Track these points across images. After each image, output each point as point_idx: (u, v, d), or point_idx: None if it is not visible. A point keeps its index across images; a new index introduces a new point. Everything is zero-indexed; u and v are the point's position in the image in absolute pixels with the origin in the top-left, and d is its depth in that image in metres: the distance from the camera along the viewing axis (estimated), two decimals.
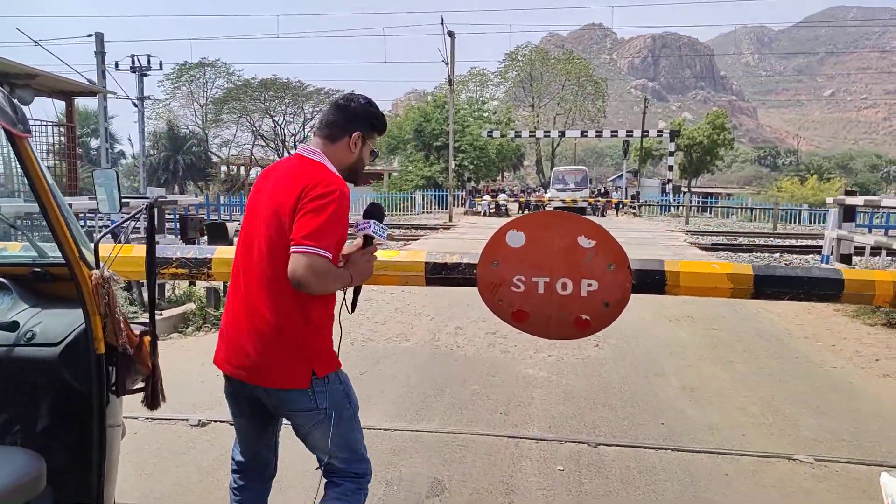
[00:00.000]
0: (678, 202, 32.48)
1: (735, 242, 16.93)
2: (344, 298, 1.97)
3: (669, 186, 36.64)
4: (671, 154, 37.38)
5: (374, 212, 1.95)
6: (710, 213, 33.12)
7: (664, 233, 19.09)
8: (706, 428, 3.70)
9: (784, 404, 4.15)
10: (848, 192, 8.19)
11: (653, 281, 2.42)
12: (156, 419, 3.82)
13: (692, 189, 46.60)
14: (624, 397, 4.23)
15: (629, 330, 5.93)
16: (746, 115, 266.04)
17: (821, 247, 15.69)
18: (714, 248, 15.33)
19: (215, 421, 3.76)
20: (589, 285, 2.42)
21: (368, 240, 1.94)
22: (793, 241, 17.63)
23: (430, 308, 7.15)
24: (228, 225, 7.18)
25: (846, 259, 8.09)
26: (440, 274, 2.56)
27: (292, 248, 1.69)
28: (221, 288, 6.61)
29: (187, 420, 3.77)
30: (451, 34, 23.34)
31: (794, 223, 28.59)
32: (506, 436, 3.52)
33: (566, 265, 2.42)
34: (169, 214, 13.37)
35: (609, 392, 4.35)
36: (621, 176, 45.73)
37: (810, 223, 29.10)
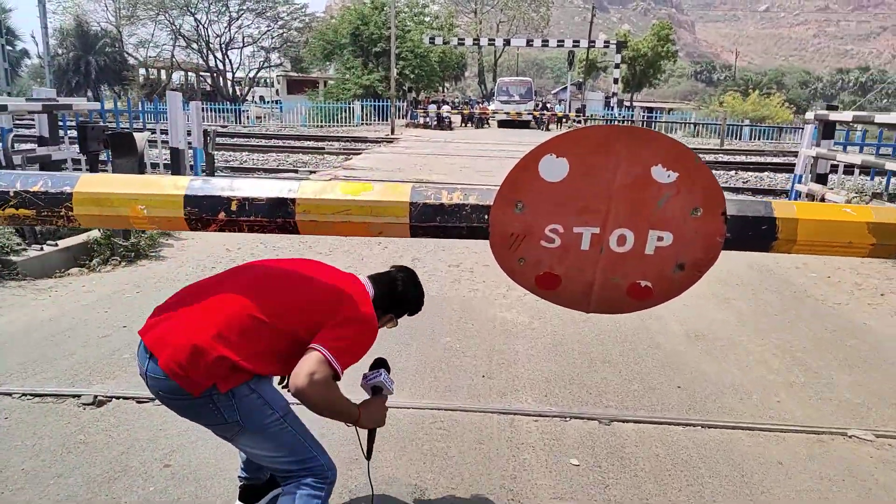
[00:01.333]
0: (625, 117, 31.95)
1: None
2: (359, 442, 1.94)
3: (614, 100, 35.95)
4: (617, 66, 36.42)
5: (382, 364, 2.00)
6: (654, 128, 32.83)
7: None
8: (731, 390, 3.09)
9: (806, 355, 3.59)
10: (830, 107, 7.63)
11: (756, 233, 1.65)
12: (36, 395, 2.91)
13: (634, 104, 46.24)
14: (624, 349, 3.58)
15: None
16: (685, 30, 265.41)
17: (770, 164, 15.50)
18: None
19: (118, 397, 2.89)
20: (659, 239, 1.64)
21: (377, 391, 1.94)
22: (742, 158, 17.44)
23: None
24: (137, 136, 5.98)
25: (822, 179, 7.63)
26: (433, 221, 1.70)
27: (312, 344, 1.69)
28: None
29: (79, 397, 2.87)
30: None
31: (736, 139, 28.67)
32: (496, 411, 2.80)
33: (629, 209, 1.61)
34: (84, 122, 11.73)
35: (604, 342, 3.69)
36: (565, 89, 44.75)
37: (751, 139, 29.29)
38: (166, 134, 9.29)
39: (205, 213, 1.70)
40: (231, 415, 1.67)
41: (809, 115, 7.71)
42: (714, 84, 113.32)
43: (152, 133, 10.03)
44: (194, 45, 47.66)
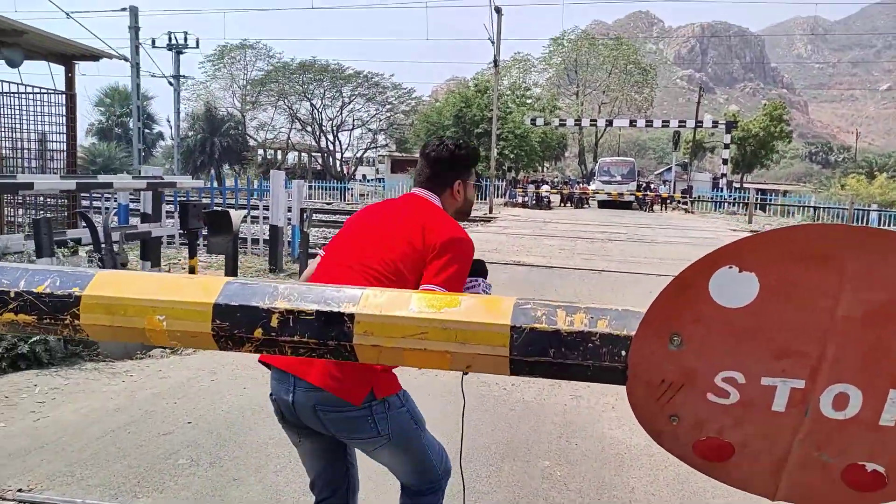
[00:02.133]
0: (735, 198, 30.40)
1: None
2: None
3: (723, 181, 34.45)
4: (726, 147, 35.12)
5: (479, 269, 1.92)
6: (768, 211, 30.96)
7: (727, 232, 17.37)
8: None
9: None
10: None
11: None
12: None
13: (745, 185, 44.24)
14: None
15: None
16: (797, 110, 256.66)
17: None
18: None
19: None
20: None
21: None
22: None
23: None
24: (233, 213, 5.94)
25: None
26: (545, 354, 1.20)
27: (423, 285, 1.74)
28: None
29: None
30: (497, 10, 21.77)
31: (862, 224, 26.37)
32: None
33: (857, 355, 1.05)
34: (184, 197, 12.28)
35: None
36: (669, 169, 43.61)
37: (879, 225, 26.88)
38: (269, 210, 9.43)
39: (238, 330, 1.28)
40: (384, 427, 1.72)
41: None
42: (831, 166, 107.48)
43: (254, 209, 10.27)
44: (308, 128, 50.83)
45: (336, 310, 1.24)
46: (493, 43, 22.73)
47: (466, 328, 1.20)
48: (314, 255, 10.99)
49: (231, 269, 5.92)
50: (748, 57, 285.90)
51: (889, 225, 27.20)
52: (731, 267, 1.04)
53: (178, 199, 10.05)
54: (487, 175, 29.06)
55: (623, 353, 1.13)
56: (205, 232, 6.81)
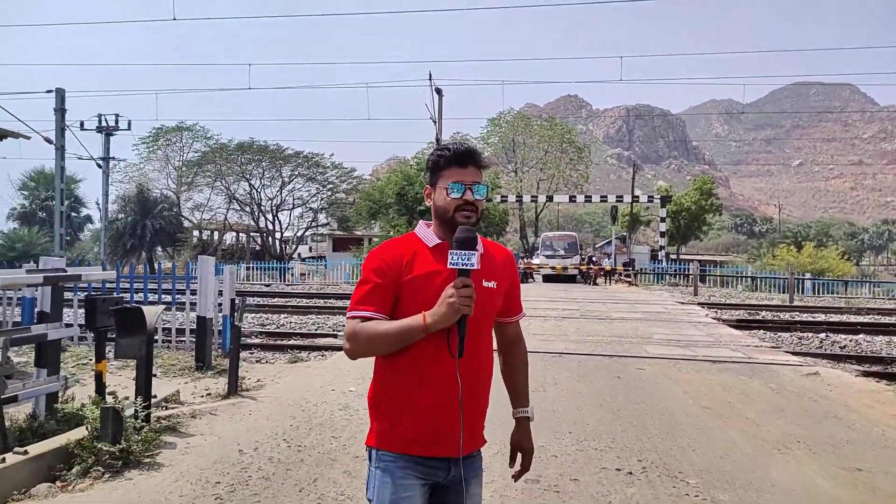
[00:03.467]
0: (676, 270, 30.86)
1: (759, 318, 15.10)
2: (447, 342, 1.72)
3: (662, 253, 35.14)
4: (662, 220, 36.09)
5: (459, 240, 1.72)
6: (708, 282, 31.53)
7: (676, 306, 17.21)
8: None
9: None
10: None
11: None
12: None
13: (680, 256, 45.43)
14: None
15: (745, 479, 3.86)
16: (719, 184, 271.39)
17: (860, 324, 13.86)
18: (742, 324, 13.42)
19: None
20: None
21: (463, 273, 1.69)
22: (821, 316, 15.86)
23: None
24: (148, 310, 5.07)
25: None
26: None
27: None
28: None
29: None
30: (438, 91, 21.93)
31: (798, 293, 27.01)
32: None
33: None
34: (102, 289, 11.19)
35: None
36: (609, 242, 44.42)
37: (814, 293, 27.63)
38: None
39: None
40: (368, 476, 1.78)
41: None
42: (755, 236, 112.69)
43: (180, 293, 9.30)
44: (247, 208, 49.73)
45: None
46: (434, 122, 22.80)
47: None
48: (247, 348, 9.84)
49: (143, 377, 5.01)
50: (671, 136, 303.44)
51: (822, 292, 27.98)
52: None
53: (93, 288, 9.00)
54: None
55: None
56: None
